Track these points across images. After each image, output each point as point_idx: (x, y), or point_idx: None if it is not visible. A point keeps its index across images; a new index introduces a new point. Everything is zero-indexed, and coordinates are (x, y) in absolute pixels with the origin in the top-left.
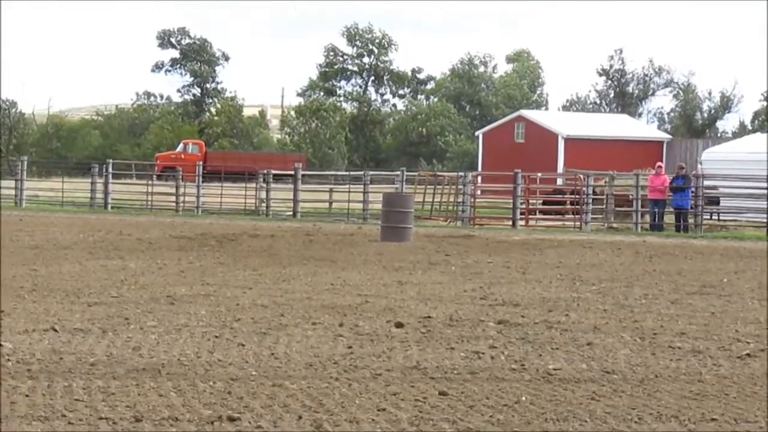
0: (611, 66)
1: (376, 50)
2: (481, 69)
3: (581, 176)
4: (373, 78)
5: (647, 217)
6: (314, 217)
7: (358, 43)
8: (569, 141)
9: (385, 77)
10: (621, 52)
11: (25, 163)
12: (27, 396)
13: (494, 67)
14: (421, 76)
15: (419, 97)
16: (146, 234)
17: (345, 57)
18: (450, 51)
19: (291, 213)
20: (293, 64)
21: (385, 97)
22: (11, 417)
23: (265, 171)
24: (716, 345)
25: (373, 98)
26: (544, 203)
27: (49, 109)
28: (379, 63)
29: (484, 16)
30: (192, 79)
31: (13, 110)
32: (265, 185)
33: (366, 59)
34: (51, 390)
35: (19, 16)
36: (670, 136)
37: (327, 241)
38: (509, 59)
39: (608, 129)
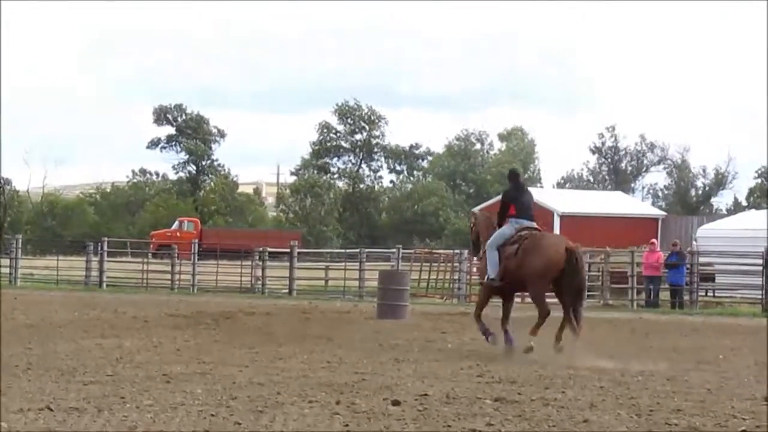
0: (603, 143)
1: (366, 126)
2: (477, 146)
3: None
4: (364, 154)
5: (643, 294)
6: (310, 295)
7: (349, 120)
8: (564, 218)
9: (375, 153)
10: (613, 129)
11: (20, 241)
12: None
13: (490, 144)
14: (419, 151)
15: (415, 173)
16: (142, 312)
17: (338, 134)
18: (446, 128)
19: (287, 291)
20: (289, 140)
21: (379, 174)
22: None
23: (261, 248)
24: (713, 422)
25: (366, 174)
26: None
27: (44, 187)
28: (371, 139)
29: (477, 93)
30: (187, 156)
31: (8, 187)
32: (260, 263)
33: (358, 136)
34: None
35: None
36: (664, 213)
37: (323, 319)
38: (501, 137)
39: (603, 206)
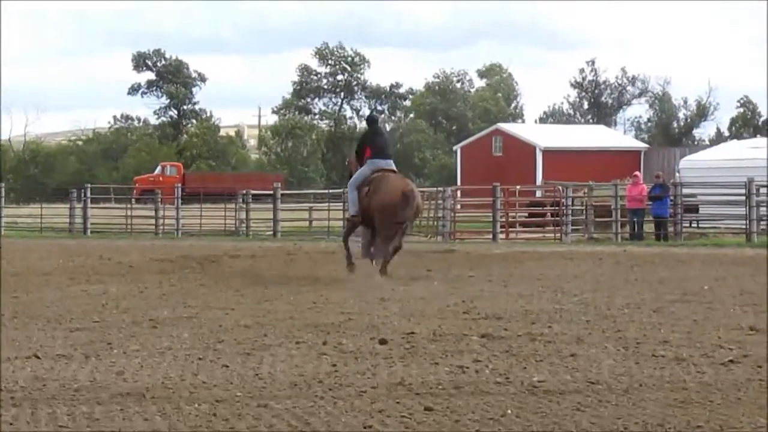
0: (584, 78)
1: (349, 68)
2: (458, 85)
3: (560, 188)
4: (345, 94)
5: (627, 227)
6: (295, 236)
7: (330, 61)
8: (547, 153)
9: (357, 93)
10: (593, 62)
11: (3, 189)
12: (11, 424)
13: (470, 82)
14: (401, 90)
15: (398, 113)
16: (126, 258)
17: (318, 75)
18: (426, 66)
19: (271, 233)
20: (271, 82)
21: (361, 113)
22: None
23: (244, 191)
24: (699, 352)
25: (349, 116)
26: (528, 216)
27: (26, 135)
28: (352, 80)
29: (457, 31)
30: (168, 100)
31: None
32: (244, 205)
33: (340, 77)
34: (35, 417)
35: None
36: (647, 146)
37: (308, 260)
38: (481, 74)
39: (585, 140)
